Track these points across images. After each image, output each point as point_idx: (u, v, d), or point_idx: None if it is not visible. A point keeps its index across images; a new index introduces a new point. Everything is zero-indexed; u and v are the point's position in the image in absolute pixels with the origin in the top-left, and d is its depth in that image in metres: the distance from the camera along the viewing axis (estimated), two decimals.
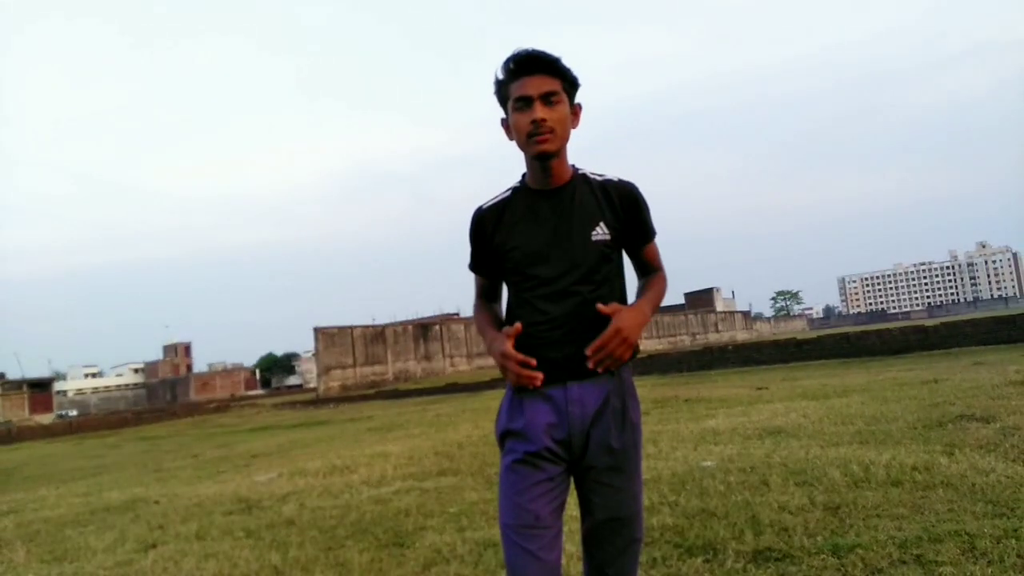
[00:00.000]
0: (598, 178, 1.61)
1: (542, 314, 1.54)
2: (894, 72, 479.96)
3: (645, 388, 14.09)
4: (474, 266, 1.71)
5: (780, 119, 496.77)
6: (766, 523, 3.09)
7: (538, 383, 1.50)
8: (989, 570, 2.33)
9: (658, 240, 1.69)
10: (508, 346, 1.52)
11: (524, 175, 1.64)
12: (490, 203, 1.64)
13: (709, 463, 4.59)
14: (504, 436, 1.58)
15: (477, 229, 1.65)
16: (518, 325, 1.53)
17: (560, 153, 1.56)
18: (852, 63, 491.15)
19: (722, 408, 8.21)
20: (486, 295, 1.73)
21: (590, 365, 1.49)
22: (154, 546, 4.17)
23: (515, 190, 1.64)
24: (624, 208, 1.59)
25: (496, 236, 1.60)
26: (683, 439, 5.85)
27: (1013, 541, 2.53)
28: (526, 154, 1.57)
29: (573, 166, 1.62)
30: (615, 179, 1.62)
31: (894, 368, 12.23)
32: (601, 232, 1.56)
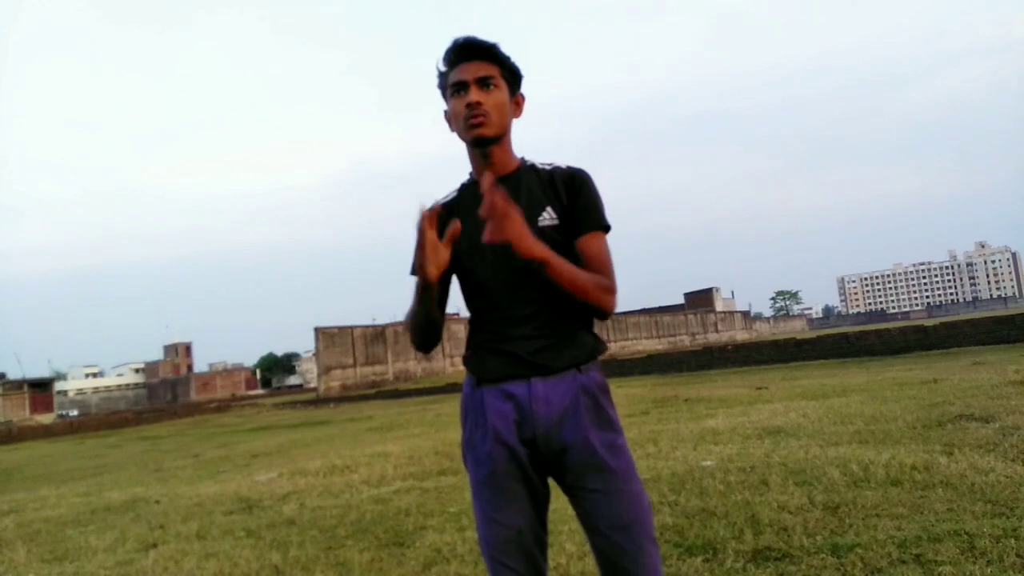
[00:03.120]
0: (547, 167, 1.54)
1: (499, 311, 1.47)
2: (893, 73, 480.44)
3: (645, 388, 14.06)
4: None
5: (780, 120, 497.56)
6: (766, 523, 3.09)
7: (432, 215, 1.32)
8: (988, 569, 2.33)
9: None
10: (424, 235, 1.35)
11: (470, 173, 1.57)
12: (440, 202, 1.58)
13: (709, 463, 4.59)
14: (469, 444, 1.50)
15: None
16: (438, 207, 1.41)
17: (502, 141, 1.50)
18: (850, 65, 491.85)
19: (722, 408, 8.21)
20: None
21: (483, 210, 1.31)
22: (155, 546, 4.18)
23: (463, 187, 1.58)
24: (568, 189, 1.50)
25: (446, 235, 1.53)
26: (683, 439, 5.86)
27: (1012, 540, 2.53)
28: (465, 142, 1.51)
29: (522, 158, 1.56)
30: (563, 166, 1.54)
31: (893, 368, 12.22)
32: (548, 217, 1.48)
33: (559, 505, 1.52)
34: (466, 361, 1.53)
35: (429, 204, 1.56)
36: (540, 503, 1.46)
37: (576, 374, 1.46)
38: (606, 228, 1.50)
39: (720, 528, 3.09)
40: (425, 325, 1.50)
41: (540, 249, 1.36)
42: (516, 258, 1.39)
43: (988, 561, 2.39)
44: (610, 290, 1.45)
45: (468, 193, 1.56)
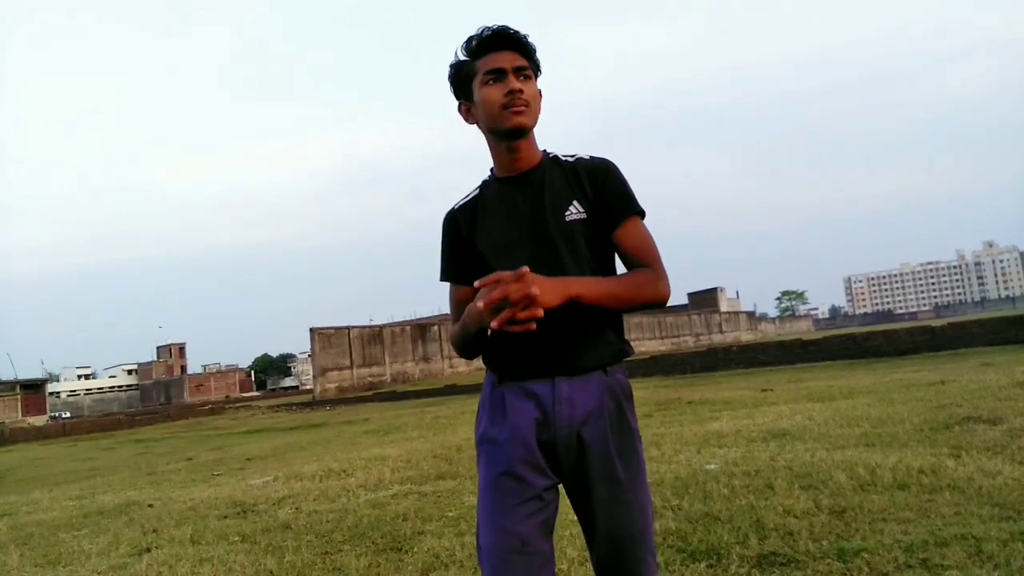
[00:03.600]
0: (569, 159, 1.51)
1: None
2: (900, 69, 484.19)
3: (648, 390, 14.04)
4: (448, 274, 1.55)
5: (785, 117, 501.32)
6: (771, 527, 3.06)
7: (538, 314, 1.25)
8: (995, 574, 2.32)
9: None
10: (479, 302, 1.29)
11: (491, 169, 1.54)
12: (462, 202, 1.54)
13: (713, 466, 4.56)
14: (484, 441, 1.45)
15: (451, 230, 1.53)
16: (488, 278, 1.29)
17: (530, 134, 1.47)
18: (858, 60, 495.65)
19: (726, 410, 8.17)
20: None
21: (493, 324, 1.26)
22: (148, 550, 4.13)
23: (484, 184, 1.54)
24: (593, 182, 1.46)
25: (472, 235, 1.50)
26: (686, 442, 5.83)
27: (1020, 544, 2.51)
28: (495, 133, 1.45)
29: (544, 150, 1.53)
30: (586, 156, 1.51)
31: (901, 369, 12.18)
32: (576, 211, 1.44)
33: (561, 508, 1.48)
34: (487, 359, 1.49)
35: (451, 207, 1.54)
36: (548, 516, 1.42)
37: (602, 376, 1.43)
38: (641, 213, 1.48)
39: (724, 533, 3.05)
40: (477, 344, 1.47)
41: (570, 289, 1.32)
42: (549, 262, 1.38)
43: (995, 565, 2.37)
44: (655, 280, 1.42)
45: (490, 191, 1.52)
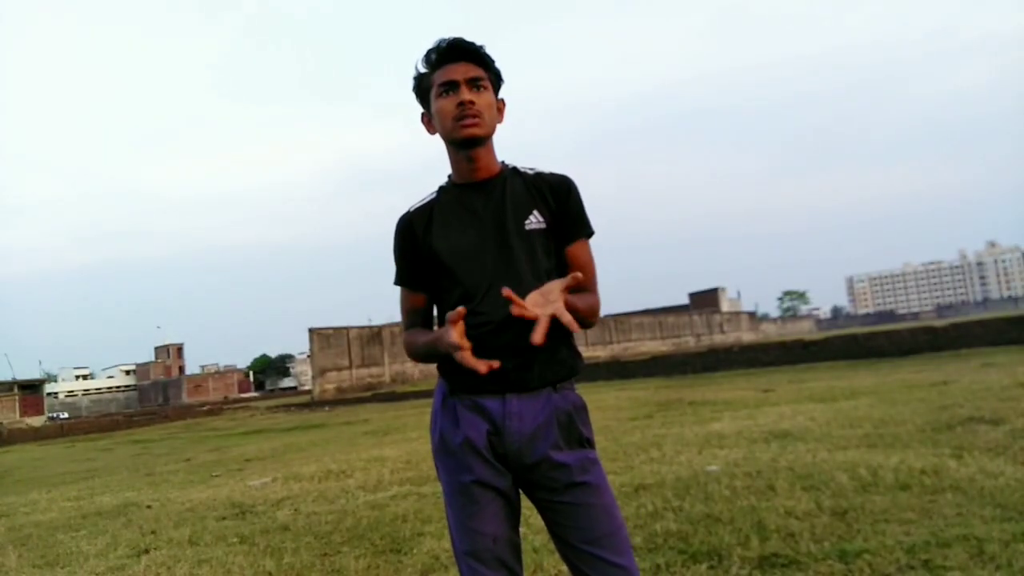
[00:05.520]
0: (530, 171, 1.55)
1: (482, 316, 1.42)
2: (902, 69, 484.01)
3: (649, 390, 14.05)
4: (402, 277, 1.57)
5: (787, 117, 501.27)
6: (772, 528, 3.06)
7: (494, 367, 1.34)
8: (997, 575, 2.31)
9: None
10: (455, 335, 1.34)
11: (449, 176, 1.56)
12: (417, 206, 1.56)
13: (714, 467, 4.56)
14: (442, 451, 1.51)
15: (406, 233, 1.54)
16: (461, 309, 1.35)
17: (487, 143, 1.50)
18: (859, 60, 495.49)
19: (727, 411, 8.17)
20: (423, 324, 1.59)
21: (536, 336, 1.28)
22: (147, 551, 4.11)
23: (441, 189, 1.56)
24: (556, 196, 1.51)
25: (428, 238, 1.51)
26: (687, 443, 5.83)
27: (1022, 545, 2.52)
28: (451, 143, 1.49)
29: (502, 162, 1.56)
30: (547, 171, 1.55)
31: (903, 370, 12.21)
32: (536, 220, 1.48)
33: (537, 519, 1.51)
34: (442, 369, 1.54)
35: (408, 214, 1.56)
36: (513, 510, 1.49)
37: (551, 393, 1.47)
38: (592, 234, 1.56)
39: (725, 534, 3.05)
40: (434, 359, 1.53)
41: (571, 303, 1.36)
42: (507, 268, 1.44)
43: (997, 566, 2.38)
44: (598, 304, 1.52)
45: (449, 196, 1.55)
